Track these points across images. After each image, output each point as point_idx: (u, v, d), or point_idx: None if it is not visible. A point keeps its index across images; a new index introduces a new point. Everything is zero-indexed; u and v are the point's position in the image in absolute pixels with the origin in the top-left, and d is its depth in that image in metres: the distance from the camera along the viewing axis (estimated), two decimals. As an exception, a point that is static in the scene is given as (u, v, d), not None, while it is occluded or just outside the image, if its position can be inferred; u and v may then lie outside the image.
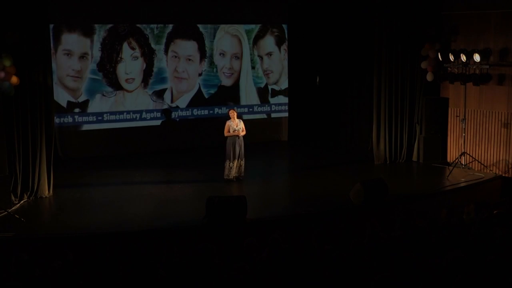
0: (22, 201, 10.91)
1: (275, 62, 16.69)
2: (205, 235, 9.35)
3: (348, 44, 15.72)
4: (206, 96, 15.92)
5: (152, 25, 15.07)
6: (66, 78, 14.36)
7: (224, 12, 15.76)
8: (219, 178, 12.41)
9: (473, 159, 13.19)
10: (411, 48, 13.73)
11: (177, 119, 15.61)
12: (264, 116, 16.69)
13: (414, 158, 14.17)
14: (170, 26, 15.31)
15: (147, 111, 15.32)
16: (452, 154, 13.83)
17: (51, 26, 13.43)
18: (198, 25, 15.65)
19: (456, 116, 13.56)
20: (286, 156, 15.86)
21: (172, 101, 15.57)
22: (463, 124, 13.25)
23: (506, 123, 12.69)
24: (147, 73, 15.23)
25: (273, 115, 16.80)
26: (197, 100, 15.83)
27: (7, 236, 9.16)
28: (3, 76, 10.17)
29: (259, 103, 16.59)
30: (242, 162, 12.35)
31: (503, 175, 12.74)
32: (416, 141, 14.13)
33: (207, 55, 15.83)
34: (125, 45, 14.85)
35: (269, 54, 16.59)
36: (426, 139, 13.96)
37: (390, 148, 14.08)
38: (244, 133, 12.31)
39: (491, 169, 13.02)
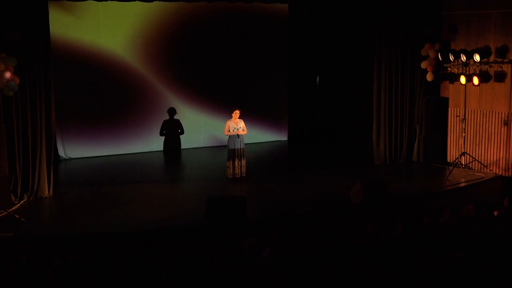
0: (22, 201, 10.89)
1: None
2: (205, 235, 9.35)
3: (348, 44, 15.71)
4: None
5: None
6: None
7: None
8: (219, 178, 12.41)
9: (473, 159, 13.19)
10: (411, 48, 13.73)
11: None
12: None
13: (414, 158, 14.16)
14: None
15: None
16: (452, 154, 13.83)
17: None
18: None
19: (456, 116, 13.56)
20: (286, 156, 15.84)
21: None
22: (463, 124, 13.25)
23: (507, 121, 12.69)
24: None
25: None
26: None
27: (7, 236, 9.15)
28: (10, 76, 10.18)
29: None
30: (244, 162, 12.36)
31: (503, 174, 12.74)
32: (416, 141, 14.12)
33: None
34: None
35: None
36: (426, 139, 13.95)
37: (390, 148, 14.07)
38: (245, 132, 12.32)
39: (491, 169, 13.02)
